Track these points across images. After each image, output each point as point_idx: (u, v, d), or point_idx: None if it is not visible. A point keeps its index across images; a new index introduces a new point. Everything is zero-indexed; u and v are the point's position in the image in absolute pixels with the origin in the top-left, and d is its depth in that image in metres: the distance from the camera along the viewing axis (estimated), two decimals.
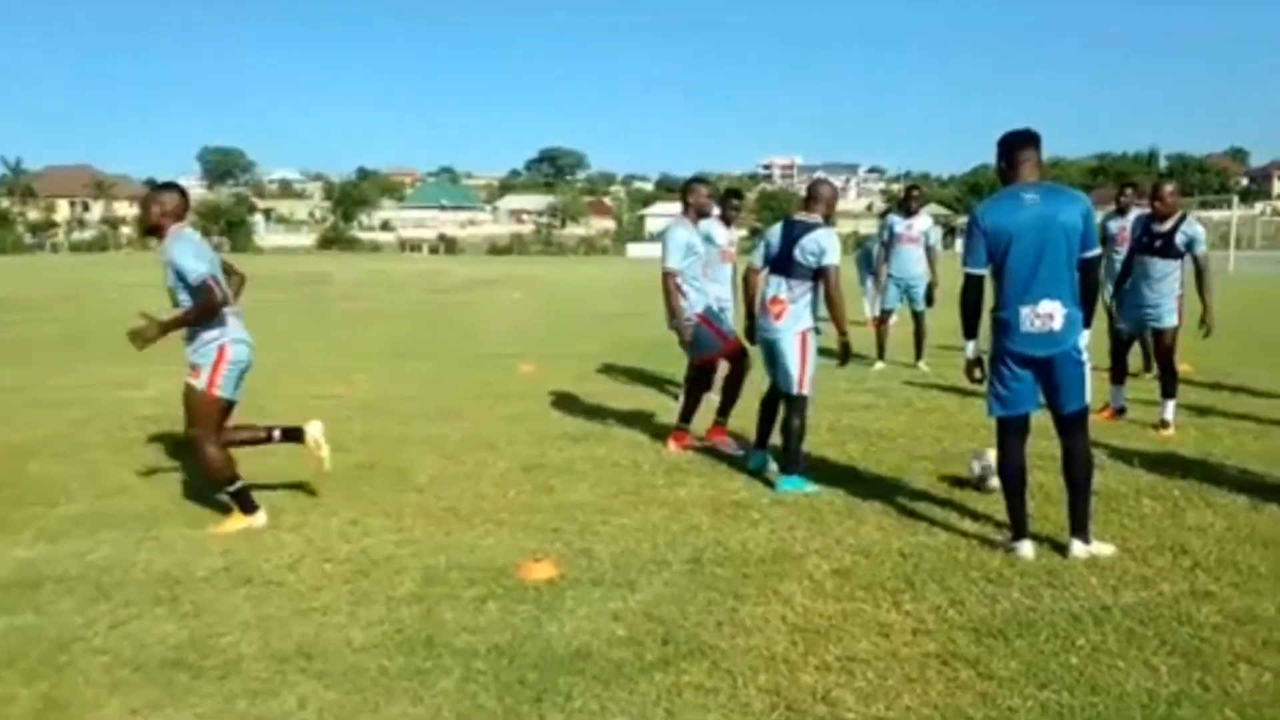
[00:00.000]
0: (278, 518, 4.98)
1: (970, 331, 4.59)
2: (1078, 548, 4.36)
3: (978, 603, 3.91)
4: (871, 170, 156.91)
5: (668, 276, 6.30)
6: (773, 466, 5.70)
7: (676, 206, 6.70)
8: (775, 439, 5.76)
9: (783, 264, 5.45)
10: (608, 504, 5.20)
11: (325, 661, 3.41)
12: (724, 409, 6.48)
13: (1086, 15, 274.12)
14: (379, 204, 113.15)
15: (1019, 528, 4.48)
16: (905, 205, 10.22)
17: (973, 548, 4.52)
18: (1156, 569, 4.25)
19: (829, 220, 5.49)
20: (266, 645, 3.54)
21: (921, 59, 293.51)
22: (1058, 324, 4.26)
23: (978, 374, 4.65)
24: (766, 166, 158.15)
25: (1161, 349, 7.07)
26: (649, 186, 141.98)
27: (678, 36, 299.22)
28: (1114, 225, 9.13)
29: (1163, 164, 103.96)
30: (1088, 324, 4.39)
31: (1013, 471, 4.49)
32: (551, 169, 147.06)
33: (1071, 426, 4.42)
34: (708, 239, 8.63)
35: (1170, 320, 7.01)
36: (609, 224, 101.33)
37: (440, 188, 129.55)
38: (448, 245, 76.97)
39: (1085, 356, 4.36)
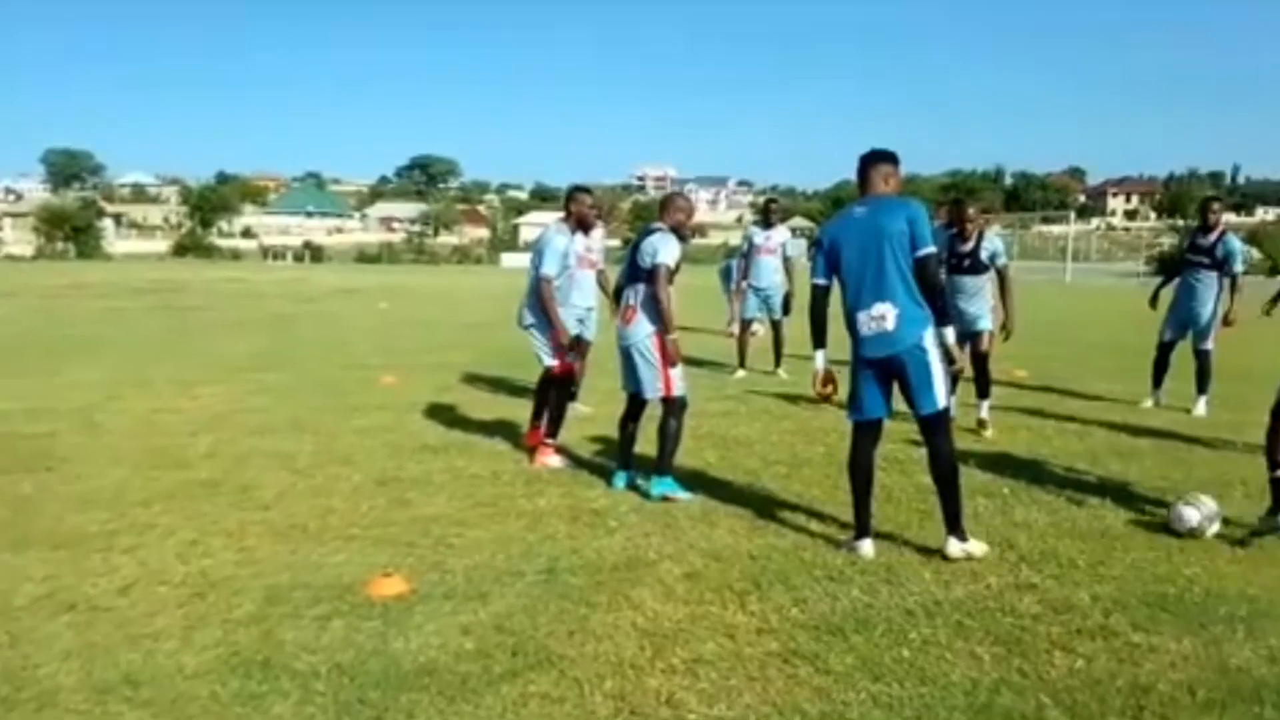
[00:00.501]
0: (111, 540, 4.72)
1: (819, 341, 4.75)
2: (953, 546, 4.48)
3: (820, 601, 4.04)
4: (741, 183, 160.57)
5: (545, 284, 6.29)
6: (640, 481, 5.70)
7: (552, 215, 6.72)
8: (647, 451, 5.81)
9: (632, 271, 5.53)
10: (464, 516, 5.14)
11: (153, 689, 3.24)
12: (554, 425, 6.41)
13: (947, 37, 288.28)
14: (240, 210, 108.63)
15: (861, 527, 4.65)
16: (764, 217, 10.51)
17: (818, 548, 4.68)
18: (985, 563, 4.49)
19: (679, 232, 5.57)
20: (89, 675, 3.35)
21: (790, 76, 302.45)
22: (890, 324, 4.43)
23: (829, 389, 4.81)
24: (640, 178, 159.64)
25: (977, 354, 7.38)
26: (524, 195, 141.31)
27: (552, 47, 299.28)
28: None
29: (1008, 181, 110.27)
30: (941, 321, 4.51)
31: (859, 471, 4.66)
32: (424, 177, 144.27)
33: (931, 428, 4.56)
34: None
35: (984, 325, 7.30)
36: (483, 233, 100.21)
37: (306, 194, 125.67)
38: (313, 253, 74.53)
39: (933, 355, 4.44)
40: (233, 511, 5.19)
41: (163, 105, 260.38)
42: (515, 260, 60.91)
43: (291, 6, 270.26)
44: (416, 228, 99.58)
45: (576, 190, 6.69)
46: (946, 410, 4.56)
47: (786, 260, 10.25)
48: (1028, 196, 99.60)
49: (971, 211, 7.43)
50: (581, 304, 8.03)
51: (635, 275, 5.52)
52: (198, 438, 6.96)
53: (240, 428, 7.42)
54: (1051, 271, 40.03)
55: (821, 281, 4.66)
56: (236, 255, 73.51)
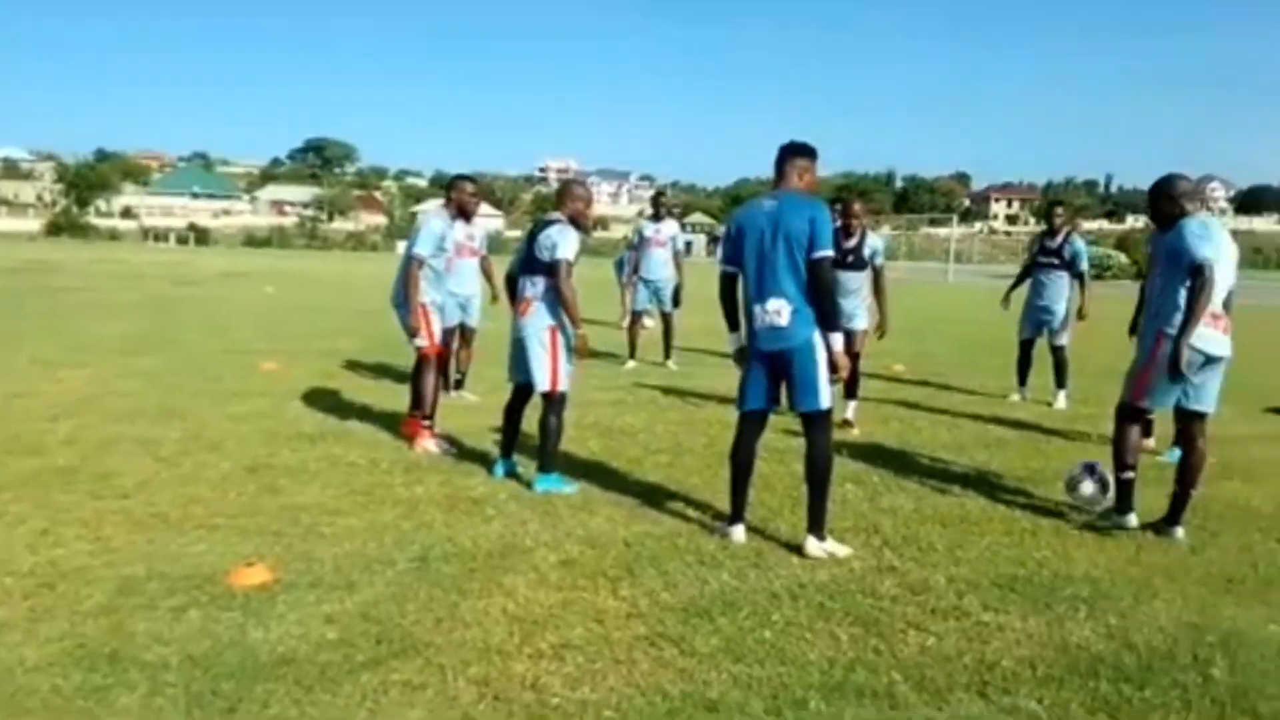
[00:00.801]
0: None
1: (730, 325, 4.83)
2: (812, 545, 4.53)
3: (690, 585, 4.11)
4: (643, 178, 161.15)
5: (413, 261, 6.23)
6: (520, 470, 5.68)
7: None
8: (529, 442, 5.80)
9: (527, 262, 5.49)
10: (337, 505, 5.04)
11: None
12: (431, 407, 6.38)
13: (846, 39, 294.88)
14: (120, 189, 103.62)
15: (735, 513, 4.74)
16: (654, 211, 10.60)
17: (693, 534, 4.76)
18: (851, 547, 4.64)
19: (578, 222, 5.55)
20: None
21: (693, 73, 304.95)
22: (784, 320, 4.51)
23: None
24: (543, 170, 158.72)
25: (850, 352, 7.52)
26: (423, 183, 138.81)
27: (456, 34, 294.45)
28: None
29: (899, 184, 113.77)
30: (826, 326, 4.55)
31: (741, 460, 4.75)
32: (318, 160, 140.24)
33: (810, 425, 4.63)
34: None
35: (859, 323, 7.38)
36: (380, 219, 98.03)
37: (192, 174, 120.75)
38: (199, 236, 71.70)
39: (820, 354, 4.52)
40: (89, 500, 4.97)
41: (38, 75, 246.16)
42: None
43: None
44: (309, 212, 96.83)
45: (459, 178, 6.67)
46: (829, 410, 4.65)
47: (676, 254, 10.35)
48: (916, 199, 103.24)
49: (857, 208, 7.62)
50: (462, 291, 8.16)
51: (532, 266, 5.47)
52: (57, 423, 6.63)
53: (105, 413, 7.10)
54: (936, 272, 41.54)
55: (728, 269, 4.72)
56: (115, 236, 70.32)
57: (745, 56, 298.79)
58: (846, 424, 7.38)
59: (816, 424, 4.62)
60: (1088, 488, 5.27)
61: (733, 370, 4.87)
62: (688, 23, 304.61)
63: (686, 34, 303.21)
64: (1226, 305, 5.09)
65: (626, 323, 10.57)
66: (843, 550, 4.59)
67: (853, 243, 7.38)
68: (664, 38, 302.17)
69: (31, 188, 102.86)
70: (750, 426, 4.78)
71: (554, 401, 5.48)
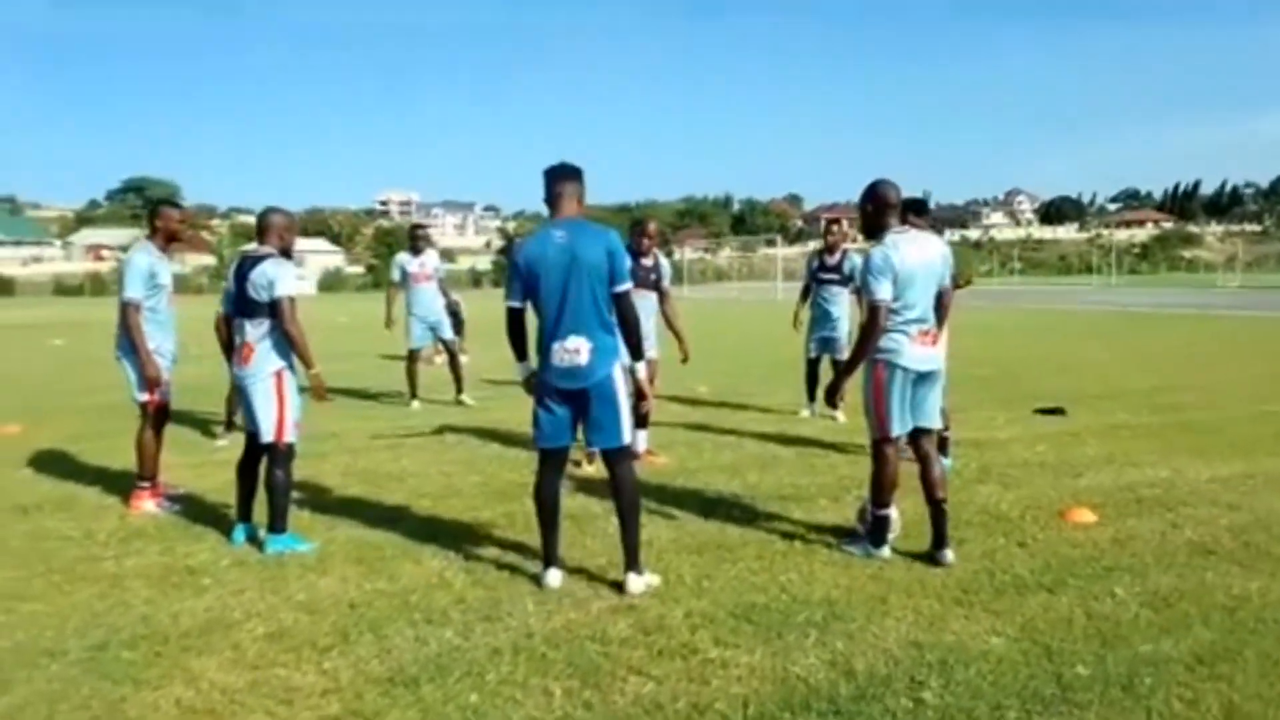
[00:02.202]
0: None
1: (519, 356, 4.58)
2: (634, 582, 4.38)
3: (405, 649, 3.81)
4: (487, 208, 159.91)
5: (129, 309, 5.68)
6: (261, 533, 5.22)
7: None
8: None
9: (240, 304, 5.07)
10: (25, 588, 4.48)
11: None
12: (150, 466, 5.89)
13: (682, 66, 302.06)
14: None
15: (548, 556, 4.51)
16: (413, 244, 10.19)
17: (429, 589, 4.45)
18: (595, 586, 4.45)
19: (286, 252, 5.19)
20: None
21: (525, 104, 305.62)
22: (583, 359, 4.33)
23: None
24: (384, 203, 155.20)
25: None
26: (253, 220, 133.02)
27: (287, 69, 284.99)
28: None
29: (736, 207, 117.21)
30: (635, 356, 4.48)
31: (546, 500, 4.53)
32: (139, 200, 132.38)
33: (614, 461, 4.49)
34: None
35: (652, 352, 7.22)
36: (208, 260, 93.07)
37: None
38: (1, 286, 66.18)
39: (620, 389, 4.40)
40: None
41: None
42: None
43: None
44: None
45: (162, 204, 6.12)
46: (627, 448, 4.52)
47: (441, 283, 10.14)
48: (752, 221, 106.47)
49: (652, 229, 7.47)
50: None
51: (247, 309, 5.04)
52: None
53: None
54: (768, 290, 42.72)
55: (516, 304, 4.45)
56: None
57: (585, 83, 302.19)
58: (650, 454, 7.19)
59: (621, 460, 4.51)
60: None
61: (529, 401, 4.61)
62: (525, 52, 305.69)
63: (518, 58, 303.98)
64: (940, 314, 5.13)
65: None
66: (656, 579, 4.49)
67: (648, 262, 7.25)
68: (503, 67, 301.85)
69: None
70: (552, 464, 4.58)
71: (281, 453, 5.06)
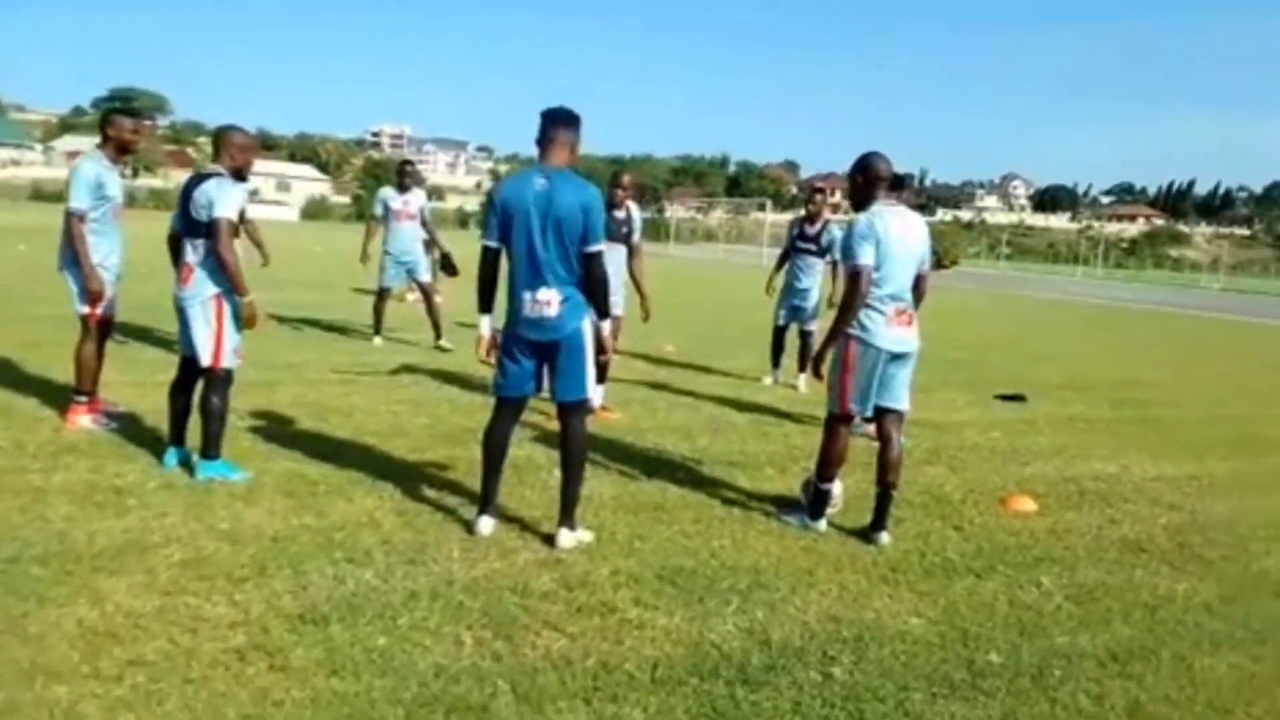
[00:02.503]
0: None
1: (484, 305, 4.41)
2: (565, 537, 4.34)
3: (323, 586, 3.76)
4: (480, 149, 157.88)
5: (73, 219, 5.51)
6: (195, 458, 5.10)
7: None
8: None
9: (186, 223, 4.92)
10: None
11: None
12: (90, 379, 5.76)
13: (685, 19, 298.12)
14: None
15: (485, 502, 4.47)
16: (400, 181, 9.92)
17: (356, 527, 4.40)
18: (525, 538, 4.42)
19: (239, 173, 5.03)
20: None
21: (531, 42, 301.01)
22: (553, 310, 4.24)
23: (491, 356, 4.45)
24: (376, 134, 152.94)
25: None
26: None
27: None
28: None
29: (732, 168, 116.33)
30: (600, 314, 4.38)
31: (495, 446, 4.47)
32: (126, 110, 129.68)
33: (570, 414, 4.42)
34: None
35: (617, 309, 7.08)
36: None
37: None
38: None
39: (588, 343, 4.33)
40: None
41: None
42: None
43: None
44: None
45: (113, 112, 5.82)
46: (586, 400, 4.48)
47: (426, 223, 9.85)
48: (747, 184, 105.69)
49: (626, 180, 7.32)
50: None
51: (191, 228, 4.89)
52: None
53: None
54: (754, 255, 42.55)
55: (492, 244, 4.30)
56: None
57: (588, 30, 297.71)
58: (605, 409, 7.14)
59: (576, 412, 4.45)
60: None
61: None
62: None
63: (530, 5, 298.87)
64: (918, 296, 5.09)
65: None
66: (588, 536, 4.45)
67: (621, 215, 7.13)
68: (506, 6, 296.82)
69: None
70: (508, 412, 4.51)
71: (217, 379, 4.94)
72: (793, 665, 3.44)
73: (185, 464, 5.05)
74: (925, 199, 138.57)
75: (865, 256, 4.66)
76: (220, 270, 4.85)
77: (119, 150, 5.71)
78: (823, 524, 4.90)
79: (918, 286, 5.04)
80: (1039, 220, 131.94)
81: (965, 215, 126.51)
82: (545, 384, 4.52)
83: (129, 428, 5.73)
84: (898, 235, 4.74)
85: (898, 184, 6.94)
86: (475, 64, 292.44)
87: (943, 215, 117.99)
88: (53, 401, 6.12)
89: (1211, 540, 5.22)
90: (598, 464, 5.70)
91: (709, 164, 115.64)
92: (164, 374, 7.06)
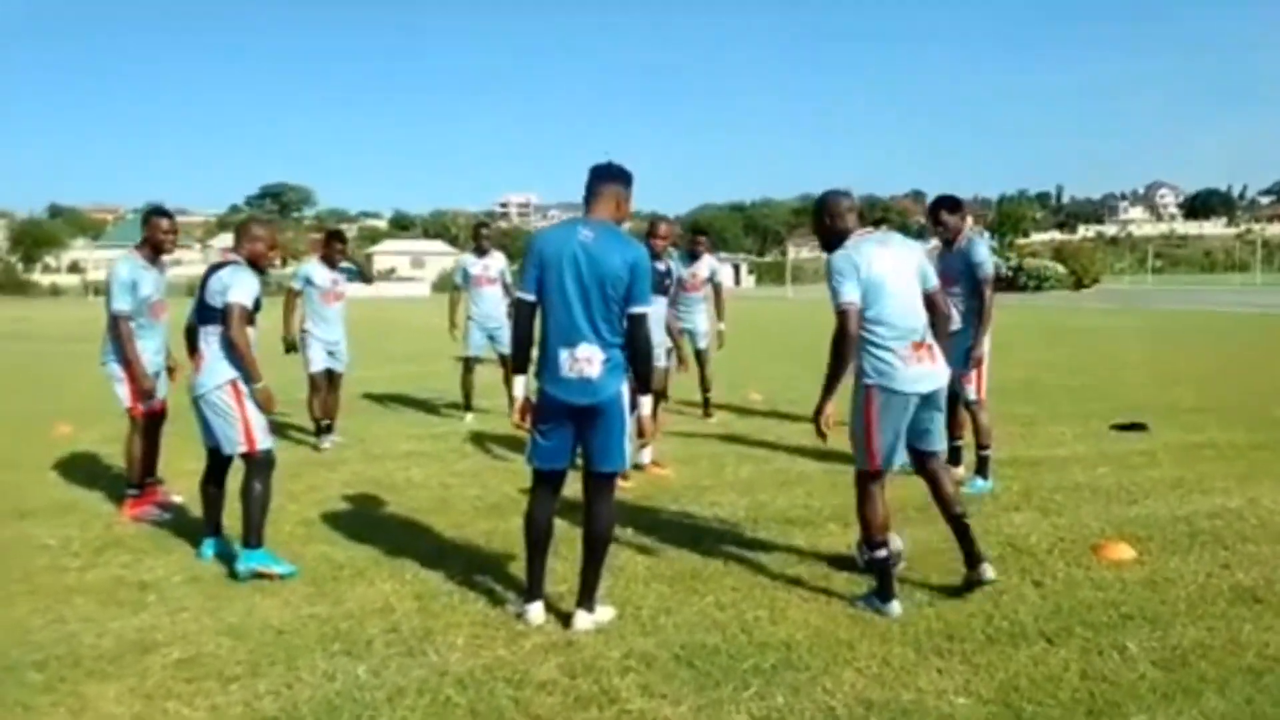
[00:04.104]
0: None
1: (518, 365, 4.19)
2: (582, 619, 4.05)
3: (310, 684, 3.57)
4: None
5: (120, 320, 5.67)
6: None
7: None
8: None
9: (201, 310, 4.91)
10: None
11: None
12: (139, 473, 5.89)
13: (813, 57, 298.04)
14: (70, 244, 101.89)
15: (532, 588, 4.18)
16: (476, 244, 9.60)
17: (366, 615, 4.22)
18: (554, 613, 4.13)
19: (257, 264, 5.03)
20: None
21: (653, 101, 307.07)
22: (595, 370, 3.94)
23: (526, 421, 4.18)
24: (504, 204, 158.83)
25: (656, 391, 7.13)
26: (382, 224, 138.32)
27: (414, 73, 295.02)
28: (685, 271, 9.30)
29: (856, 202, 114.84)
30: (643, 390, 4.13)
31: (537, 528, 4.18)
32: (276, 205, 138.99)
33: (601, 487, 4.13)
34: (308, 280, 8.36)
35: (660, 362, 6.66)
36: (361, 260, 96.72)
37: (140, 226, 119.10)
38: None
39: (626, 410, 4.07)
40: None
41: None
42: (364, 290, 59.57)
43: (119, 23, 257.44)
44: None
45: (153, 213, 5.95)
46: (617, 472, 4.18)
47: (507, 287, 9.59)
48: (871, 217, 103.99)
49: (664, 229, 7.11)
50: (329, 337, 8.29)
51: (206, 316, 4.91)
52: None
53: None
54: None
55: (529, 297, 4.03)
56: (56, 291, 68.89)
57: (703, 82, 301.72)
58: (656, 465, 6.87)
59: (607, 486, 4.15)
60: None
61: None
62: (652, 50, 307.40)
63: (648, 63, 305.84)
64: (938, 319, 4.44)
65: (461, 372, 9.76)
66: (608, 613, 4.15)
67: (662, 267, 6.90)
68: (621, 68, 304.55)
69: None
70: (547, 488, 4.20)
71: (256, 463, 4.84)
72: None
73: (223, 555, 5.00)
74: (1065, 216, 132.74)
75: (847, 294, 4.16)
76: (231, 354, 4.82)
77: (154, 249, 5.86)
78: (895, 606, 4.20)
79: (932, 306, 4.44)
80: (1192, 228, 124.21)
81: (1109, 229, 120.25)
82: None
83: (181, 518, 5.77)
84: (885, 264, 4.22)
85: (954, 206, 6.48)
86: (600, 127, 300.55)
87: (1084, 231, 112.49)
88: (116, 496, 6.25)
89: None
90: (641, 528, 5.39)
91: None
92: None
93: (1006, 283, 45.73)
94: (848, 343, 4.19)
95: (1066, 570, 4.73)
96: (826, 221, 4.39)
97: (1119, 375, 12.59)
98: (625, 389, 4.07)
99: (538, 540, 4.19)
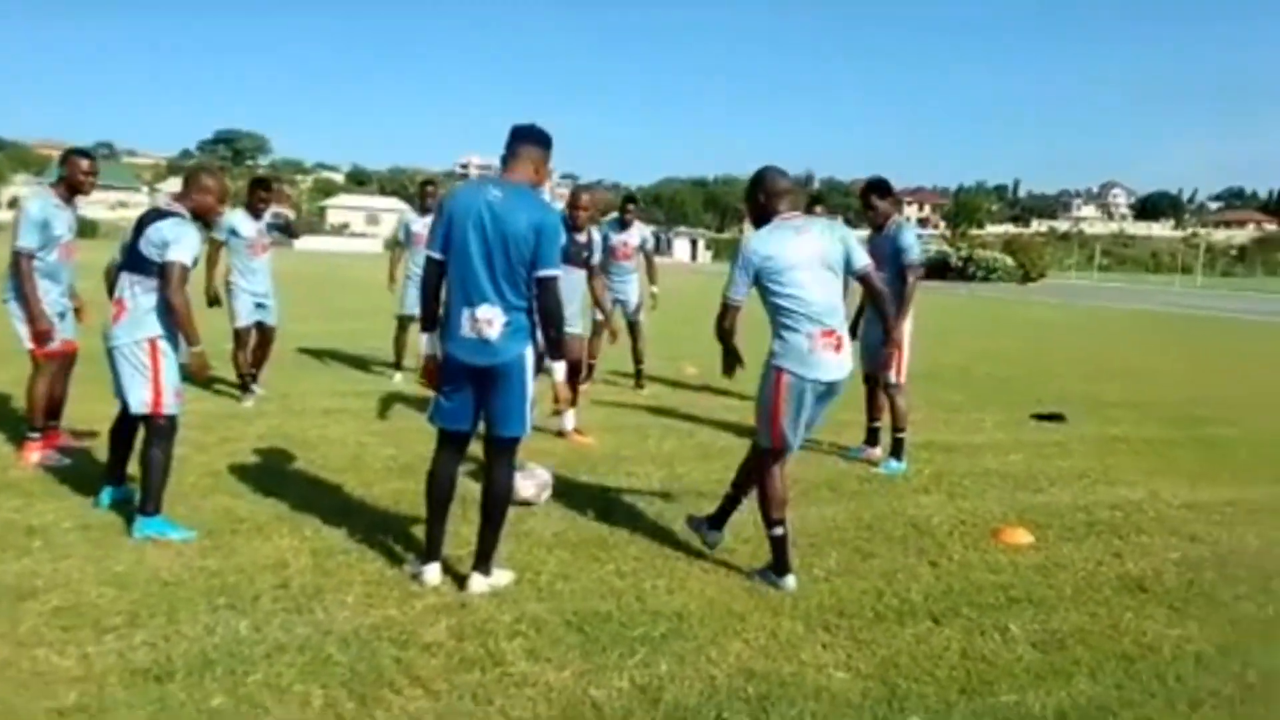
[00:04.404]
0: None
1: (427, 322, 4.10)
2: (475, 581, 4.01)
3: (188, 638, 3.50)
4: (565, 176, 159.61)
5: (20, 256, 5.46)
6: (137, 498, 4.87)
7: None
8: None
9: (130, 258, 4.62)
10: None
11: None
12: (40, 415, 5.73)
13: (777, 42, 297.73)
14: (11, 179, 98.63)
15: (431, 549, 4.12)
16: (422, 203, 9.19)
17: (258, 569, 4.15)
18: (428, 584, 4.09)
19: (202, 215, 4.77)
20: None
21: (613, 69, 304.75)
22: (495, 331, 3.87)
23: (433, 380, 4.12)
24: (464, 165, 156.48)
25: (571, 359, 7.25)
26: (339, 178, 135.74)
27: (379, 29, 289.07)
28: (615, 238, 9.23)
29: (816, 185, 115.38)
30: (554, 355, 4.04)
31: (438, 487, 4.13)
32: (229, 152, 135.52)
33: (501, 451, 4.08)
34: (233, 232, 8.02)
35: (575, 328, 6.60)
36: (287, 213, 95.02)
37: None
38: (85, 228, 68.42)
39: (529, 374, 3.99)
40: None
41: None
42: (314, 244, 58.65)
43: None
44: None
45: (72, 153, 5.72)
46: (518, 438, 4.10)
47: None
48: (830, 201, 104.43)
49: (584, 199, 7.02)
50: (257, 289, 8.04)
51: (135, 264, 4.60)
52: None
53: None
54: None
55: (435, 254, 3.96)
56: None
57: (671, 52, 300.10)
58: (578, 433, 6.86)
59: (506, 453, 4.10)
60: (525, 487, 5.05)
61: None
62: (610, 13, 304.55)
63: (609, 24, 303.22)
64: (878, 299, 4.62)
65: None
66: (506, 576, 4.12)
67: (582, 238, 6.83)
68: (586, 29, 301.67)
69: None
70: (451, 447, 4.14)
71: (159, 427, 4.62)
72: None
73: (120, 505, 4.85)
74: (1020, 210, 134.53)
75: (734, 289, 4.28)
76: (168, 316, 4.58)
77: (71, 189, 5.66)
78: (790, 580, 4.23)
79: (868, 286, 4.54)
80: (1140, 228, 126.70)
81: (1061, 225, 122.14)
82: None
83: (84, 463, 5.63)
84: (798, 252, 4.20)
85: (883, 190, 6.52)
86: (561, 94, 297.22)
87: (1037, 226, 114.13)
88: (16, 439, 6.07)
89: (1229, 577, 4.59)
90: (555, 494, 5.37)
91: (793, 181, 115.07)
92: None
93: (957, 272, 46.50)
94: (722, 331, 4.41)
95: (963, 552, 4.81)
96: (760, 199, 4.40)
97: (1050, 368, 12.83)
98: (530, 354, 4.01)
99: (439, 500, 4.16)
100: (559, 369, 4.12)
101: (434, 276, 4.03)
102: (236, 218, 8.03)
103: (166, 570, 4.11)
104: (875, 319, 6.31)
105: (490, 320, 3.89)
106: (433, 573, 4.10)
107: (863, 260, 4.43)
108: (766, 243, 4.23)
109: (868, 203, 6.50)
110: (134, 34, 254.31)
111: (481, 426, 4.14)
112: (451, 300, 3.98)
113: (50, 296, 5.60)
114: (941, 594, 4.26)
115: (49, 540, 4.40)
